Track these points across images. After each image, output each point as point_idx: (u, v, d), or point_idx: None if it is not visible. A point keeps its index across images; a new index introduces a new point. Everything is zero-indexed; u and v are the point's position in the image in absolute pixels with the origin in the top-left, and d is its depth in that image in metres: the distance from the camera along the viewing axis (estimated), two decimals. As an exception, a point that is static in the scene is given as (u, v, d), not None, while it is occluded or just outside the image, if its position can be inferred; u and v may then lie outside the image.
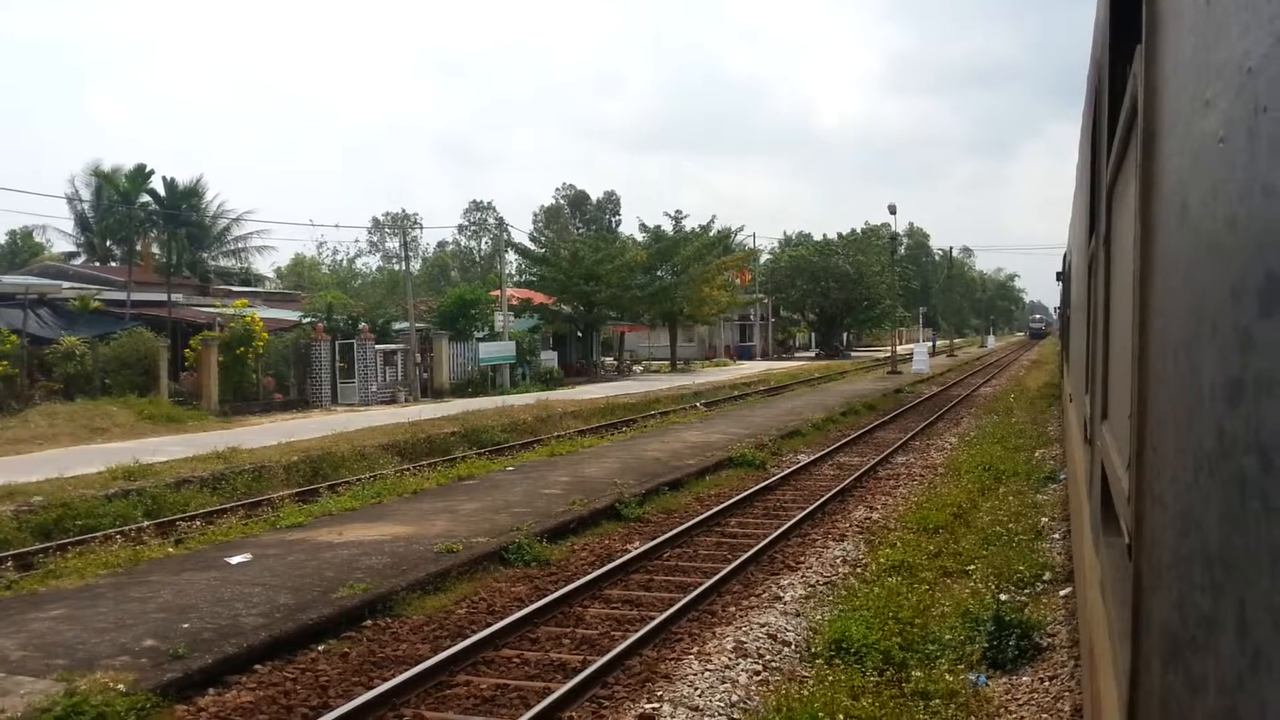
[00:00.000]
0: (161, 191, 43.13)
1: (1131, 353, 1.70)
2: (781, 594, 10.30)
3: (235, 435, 22.43)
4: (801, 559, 11.87)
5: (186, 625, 8.65)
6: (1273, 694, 0.71)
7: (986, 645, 8.22)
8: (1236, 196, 0.85)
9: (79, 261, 52.28)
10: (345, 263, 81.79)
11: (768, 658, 8.35)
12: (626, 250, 51.59)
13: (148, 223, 44.92)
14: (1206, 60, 1.00)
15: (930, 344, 79.34)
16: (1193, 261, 1.06)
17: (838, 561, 11.71)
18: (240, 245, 54.37)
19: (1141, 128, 1.57)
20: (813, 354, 77.97)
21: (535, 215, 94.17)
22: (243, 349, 31.39)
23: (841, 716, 6.66)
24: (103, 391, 27.50)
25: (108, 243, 51.98)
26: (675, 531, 12.92)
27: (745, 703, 7.35)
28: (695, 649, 8.58)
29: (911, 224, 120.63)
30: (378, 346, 36.31)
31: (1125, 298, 2.28)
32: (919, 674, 7.66)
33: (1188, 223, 1.10)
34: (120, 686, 7.05)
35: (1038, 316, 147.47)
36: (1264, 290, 0.76)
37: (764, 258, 77.60)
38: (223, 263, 55.26)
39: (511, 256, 55.29)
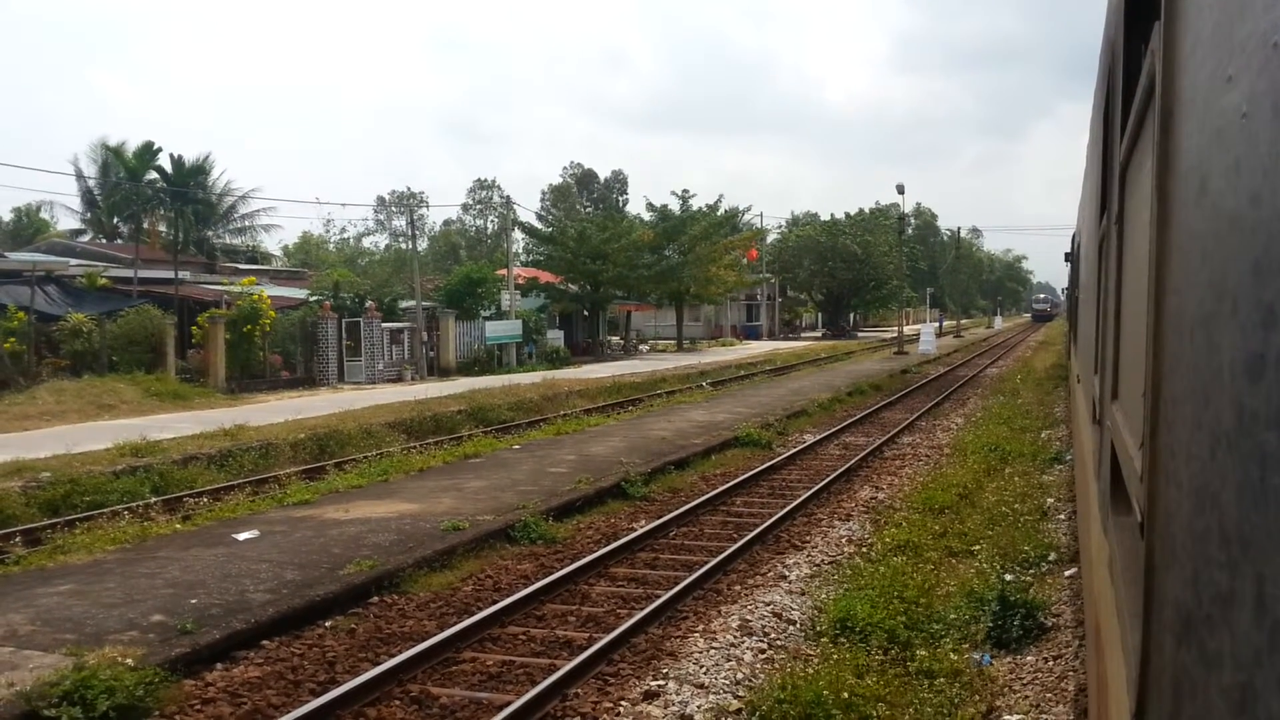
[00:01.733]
0: (168, 169, 43.09)
1: (1146, 331, 1.69)
2: (787, 573, 10.33)
3: (242, 412, 22.48)
4: (807, 538, 11.90)
5: (194, 601, 8.69)
6: None
7: (991, 625, 8.24)
8: (1261, 172, 0.84)
9: (86, 239, 52.39)
10: (352, 241, 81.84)
11: (773, 636, 8.38)
12: (633, 229, 51.42)
13: (155, 200, 44.89)
14: (1229, 36, 0.99)
15: (937, 325, 79.24)
16: (1213, 238, 1.05)
17: (843, 541, 11.73)
18: (247, 223, 54.47)
19: (1159, 105, 1.56)
20: (819, 334, 77.90)
21: (543, 194, 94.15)
22: (250, 327, 31.45)
23: (846, 695, 6.68)
24: (110, 368, 27.57)
25: (114, 220, 52.02)
26: (681, 510, 12.94)
27: (750, 680, 7.38)
28: (701, 627, 8.60)
29: (919, 204, 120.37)
30: (384, 325, 36.34)
31: (1138, 277, 2.27)
32: (923, 653, 7.69)
33: (1208, 199, 1.09)
34: (128, 661, 7.08)
35: (1042, 297, 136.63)
36: None
37: (771, 237, 77.43)
38: (230, 240, 55.36)
39: (518, 235, 55.23)
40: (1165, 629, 1.31)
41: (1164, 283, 1.47)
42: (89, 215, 53.40)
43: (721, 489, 14.42)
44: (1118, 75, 3.01)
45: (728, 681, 7.38)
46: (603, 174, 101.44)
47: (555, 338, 45.20)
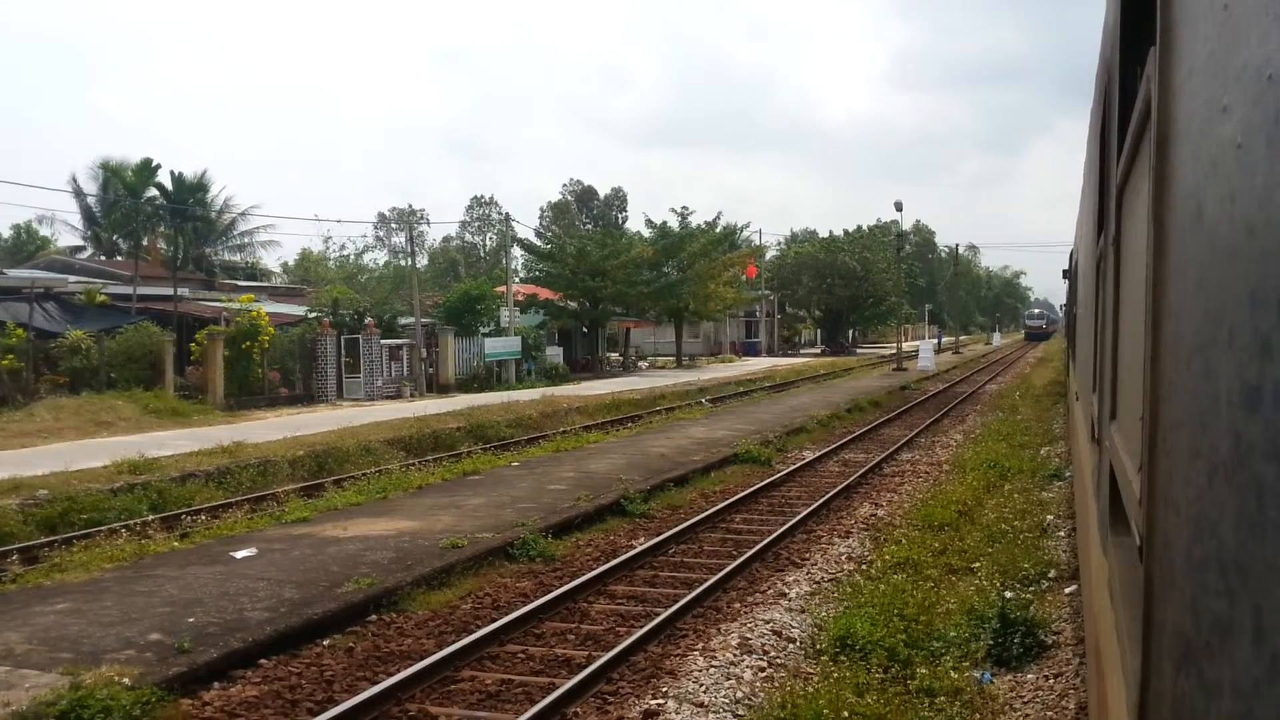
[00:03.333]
0: (168, 185, 43.12)
1: (1144, 356, 1.69)
2: (787, 591, 10.30)
3: (240, 429, 22.46)
4: (807, 556, 11.87)
5: (192, 619, 8.66)
6: None
7: (991, 643, 8.21)
8: (1255, 203, 0.84)
9: (85, 255, 52.43)
10: (352, 258, 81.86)
11: (773, 654, 8.35)
12: (632, 246, 51.50)
13: (154, 217, 44.91)
14: (1224, 65, 1.00)
15: (936, 341, 79.29)
16: (1208, 267, 1.05)
17: (843, 558, 11.70)
18: (246, 240, 54.54)
19: (1155, 131, 1.57)
20: (818, 351, 77.97)
21: (542, 211, 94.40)
22: (248, 343, 31.44)
23: (846, 714, 6.66)
24: (108, 385, 27.54)
25: (114, 237, 52.04)
26: (680, 528, 12.91)
27: (750, 699, 7.35)
28: (700, 645, 8.57)
29: (918, 221, 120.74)
30: (383, 341, 36.34)
31: (1135, 299, 2.27)
32: (924, 671, 7.66)
33: (1203, 228, 1.09)
34: (125, 680, 7.06)
35: (1037, 312, 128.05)
36: None
37: (770, 254, 77.62)
38: (228, 257, 55.42)
39: (517, 252, 55.33)
40: (1165, 655, 1.31)
41: (1161, 307, 1.47)
42: (89, 232, 53.43)
43: (721, 506, 14.39)
44: (1113, 96, 3.03)
45: (727, 700, 7.35)
46: (602, 191, 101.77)
47: (554, 354, 45.22)
